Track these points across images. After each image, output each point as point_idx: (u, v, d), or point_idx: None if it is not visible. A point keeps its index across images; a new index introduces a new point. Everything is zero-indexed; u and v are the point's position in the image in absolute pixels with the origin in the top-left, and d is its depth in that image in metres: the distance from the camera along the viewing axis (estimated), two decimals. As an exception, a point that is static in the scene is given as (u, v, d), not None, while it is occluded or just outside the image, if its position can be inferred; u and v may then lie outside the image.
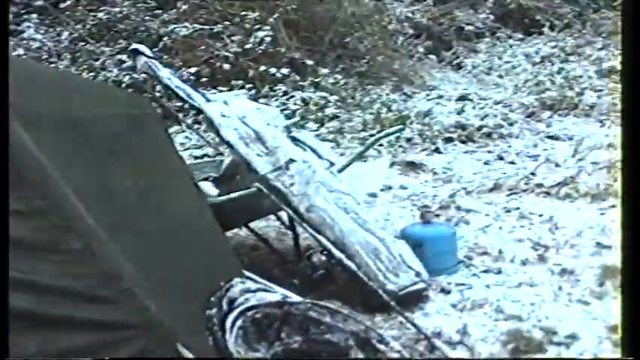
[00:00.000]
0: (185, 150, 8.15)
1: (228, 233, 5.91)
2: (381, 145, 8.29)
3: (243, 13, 10.96)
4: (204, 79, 9.99)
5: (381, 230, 5.11)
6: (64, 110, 3.36)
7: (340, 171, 5.68)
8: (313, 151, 5.44)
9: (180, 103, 6.75)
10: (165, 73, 5.82)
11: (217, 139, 5.70)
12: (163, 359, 2.81)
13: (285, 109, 9.27)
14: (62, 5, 11.41)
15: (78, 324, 2.62)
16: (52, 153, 2.99)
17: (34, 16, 11.30)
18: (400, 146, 8.39)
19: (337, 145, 8.32)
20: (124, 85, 9.68)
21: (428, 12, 13.79)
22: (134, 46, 6.36)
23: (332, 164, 5.38)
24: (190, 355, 2.82)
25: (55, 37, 11.01)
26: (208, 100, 5.65)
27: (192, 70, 10.13)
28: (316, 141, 5.74)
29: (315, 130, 8.69)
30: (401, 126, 7.78)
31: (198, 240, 3.91)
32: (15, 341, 2.45)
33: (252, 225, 5.70)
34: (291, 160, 5.16)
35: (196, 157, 7.77)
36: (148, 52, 6.06)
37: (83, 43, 10.80)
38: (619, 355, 3.13)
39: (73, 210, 2.78)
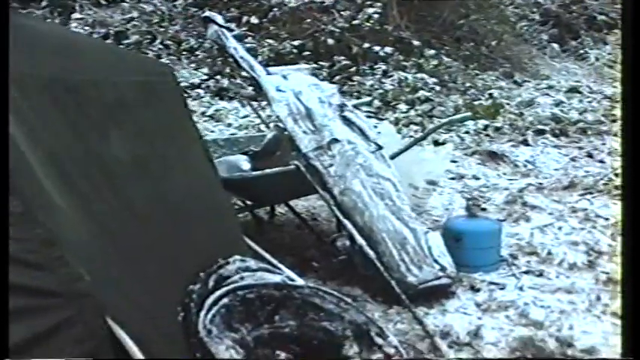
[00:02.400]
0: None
1: (280, 208, 5.94)
2: (467, 132, 8.07)
3: (357, -13, 10.84)
4: (306, 53, 9.97)
5: (414, 220, 4.92)
6: (61, 74, 3.31)
7: (395, 156, 5.55)
8: (362, 132, 5.29)
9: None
10: (232, 43, 5.79)
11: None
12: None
13: (378, 89, 9.17)
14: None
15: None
16: (40, 116, 2.99)
17: (153, -20, 11.52)
18: (487, 135, 8.13)
19: (422, 129, 8.11)
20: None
21: (559, -2, 13.34)
22: (207, 13, 6.35)
23: (379, 147, 5.22)
24: (121, 332, 2.76)
25: (170, 3, 11.18)
26: (269, 73, 5.59)
27: (296, 42, 10.11)
28: (367, 122, 5.58)
29: (404, 112, 8.53)
30: (468, 114, 7.52)
31: (199, 215, 3.83)
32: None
33: (304, 203, 5.65)
34: (335, 140, 5.04)
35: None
36: (219, 20, 6.03)
37: (196, 10, 10.91)
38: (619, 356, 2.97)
39: (23, 173, 2.74)
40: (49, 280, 2.68)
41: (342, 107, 5.43)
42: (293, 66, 7.26)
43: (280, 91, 5.31)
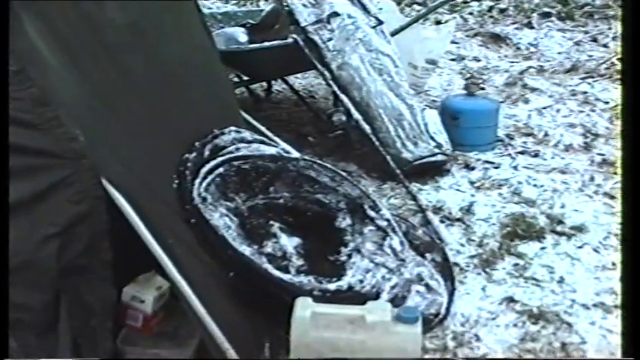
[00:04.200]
0: None
1: (277, 86, 5.92)
2: (470, 13, 7.98)
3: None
4: None
5: (411, 97, 4.91)
6: None
7: (396, 33, 5.50)
8: (363, 7, 5.22)
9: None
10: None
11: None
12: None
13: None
14: None
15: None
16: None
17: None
18: (491, 17, 8.04)
19: (424, 5, 8.01)
20: None
21: None
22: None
23: (380, 22, 5.16)
24: (117, 193, 2.77)
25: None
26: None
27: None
28: (369, -3, 5.50)
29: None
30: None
31: (196, 84, 3.81)
32: None
33: (301, 80, 5.63)
34: (335, 14, 4.98)
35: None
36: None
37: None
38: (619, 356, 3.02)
39: (16, 29, 2.71)
40: (44, 139, 2.68)
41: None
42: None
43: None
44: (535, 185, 4.57)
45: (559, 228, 4.07)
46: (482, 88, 5.78)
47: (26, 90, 2.67)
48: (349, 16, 5.02)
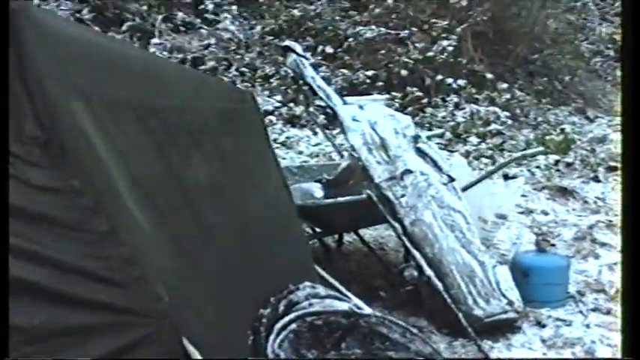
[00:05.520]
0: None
1: (347, 237, 6.02)
2: (537, 167, 8.08)
3: (433, 20, 10.96)
4: (379, 83, 10.08)
5: (483, 253, 4.97)
6: (146, 97, 3.39)
7: (467, 188, 5.61)
8: (435, 164, 5.37)
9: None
10: (309, 72, 5.93)
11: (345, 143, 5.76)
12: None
13: (450, 121, 9.23)
14: (262, -1, 11.74)
15: (86, 303, 2.68)
16: (120, 137, 3.10)
17: (234, 8, 11.67)
18: (557, 170, 8.13)
19: (493, 162, 8.14)
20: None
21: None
22: (286, 42, 6.53)
23: (451, 180, 5.29)
24: (197, 354, 2.85)
25: (247, 30, 11.36)
26: (345, 103, 5.71)
27: (370, 73, 10.22)
28: (440, 155, 5.66)
29: (475, 145, 8.57)
30: (541, 148, 7.53)
31: (273, 239, 3.94)
32: (20, 312, 2.54)
33: (372, 232, 5.74)
34: (408, 171, 5.13)
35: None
36: (298, 49, 6.19)
37: (272, 37, 11.08)
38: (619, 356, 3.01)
39: (109, 193, 2.85)
40: (129, 298, 2.78)
41: (416, 138, 5.52)
42: (369, 96, 7.35)
43: (356, 120, 5.42)
44: (609, 345, 4.53)
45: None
46: (553, 245, 5.82)
47: (116, 249, 2.79)
48: (422, 173, 5.16)
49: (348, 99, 5.93)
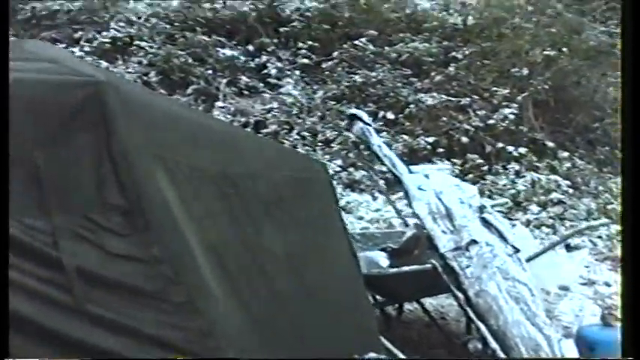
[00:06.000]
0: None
1: (408, 305, 6.05)
2: (599, 237, 8.04)
3: (494, 89, 11.07)
4: (440, 150, 10.15)
5: (548, 327, 4.96)
6: (223, 167, 3.50)
7: (531, 259, 5.62)
8: (500, 235, 5.39)
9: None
10: (376, 141, 6.03)
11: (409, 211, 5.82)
12: None
13: (510, 189, 9.24)
14: (324, 65, 11.90)
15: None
16: (199, 206, 3.19)
17: (297, 73, 11.86)
18: (620, 241, 8.06)
19: (554, 231, 8.12)
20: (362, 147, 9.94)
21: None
22: (353, 111, 6.66)
23: (517, 251, 5.30)
24: None
25: (309, 95, 11.51)
26: (411, 172, 5.78)
27: (431, 139, 10.30)
28: (506, 225, 5.69)
29: (536, 214, 8.56)
30: (606, 220, 7.50)
31: (339, 309, 3.99)
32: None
33: (432, 300, 5.76)
34: (473, 242, 5.17)
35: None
36: (365, 118, 6.30)
37: (334, 103, 11.22)
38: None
39: (187, 263, 2.91)
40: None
41: (481, 209, 5.56)
42: (434, 165, 7.43)
43: (422, 189, 5.49)
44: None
45: None
46: (618, 319, 5.76)
47: (194, 320, 2.85)
48: (487, 244, 5.19)
49: (413, 168, 6.01)
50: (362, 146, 9.88)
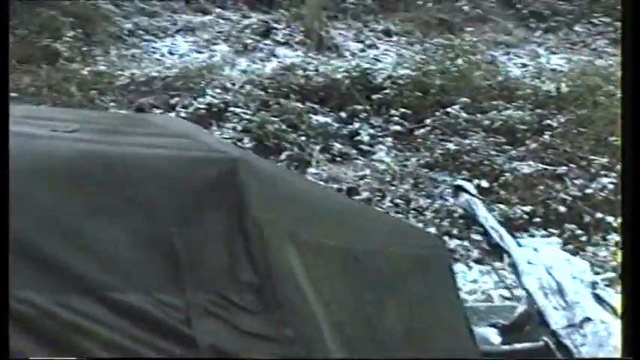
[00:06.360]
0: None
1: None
2: None
3: (592, 157, 10.89)
4: (537, 219, 9.99)
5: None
6: (347, 242, 3.49)
7: (646, 338, 5.43)
8: (614, 312, 5.23)
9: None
10: (483, 213, 5.98)
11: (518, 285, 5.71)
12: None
13: (612, 261, 9.02)
14: (417, 132, 11.86)
15: None
16: (327, 284, 3.17)
17: (390, 139, 11.84)
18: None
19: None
20: (456, 215, 9.86)
21: None
22: (459, 182, 6.61)
23: (632, 330, 5.13)
24: None
25: (402, 162, 11.47)
26: (519, 245, 5.68)
27: (527, 208, 10.15)
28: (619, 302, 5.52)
29: None
30: None
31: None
32: None
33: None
34: (588, 319, 5.02)
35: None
36: (471, 189, 6.26)
37: (427, 170, 11.16)
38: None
39: (316, 344, 2.87)
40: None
41: (594, 284, 5.41)
42: (544, 239, 7.32)
43: (531, 264, 5.37)
44: None
45: None
46: None
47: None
48: (602, 322, 5.03)
49: (522, 241, 5.91)
50: (455, 215, 9.92)
